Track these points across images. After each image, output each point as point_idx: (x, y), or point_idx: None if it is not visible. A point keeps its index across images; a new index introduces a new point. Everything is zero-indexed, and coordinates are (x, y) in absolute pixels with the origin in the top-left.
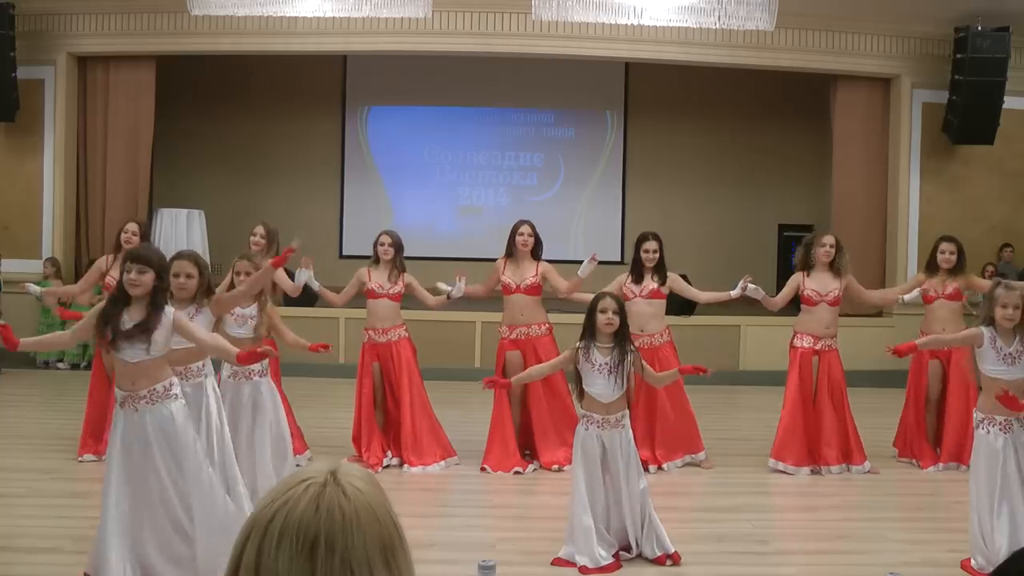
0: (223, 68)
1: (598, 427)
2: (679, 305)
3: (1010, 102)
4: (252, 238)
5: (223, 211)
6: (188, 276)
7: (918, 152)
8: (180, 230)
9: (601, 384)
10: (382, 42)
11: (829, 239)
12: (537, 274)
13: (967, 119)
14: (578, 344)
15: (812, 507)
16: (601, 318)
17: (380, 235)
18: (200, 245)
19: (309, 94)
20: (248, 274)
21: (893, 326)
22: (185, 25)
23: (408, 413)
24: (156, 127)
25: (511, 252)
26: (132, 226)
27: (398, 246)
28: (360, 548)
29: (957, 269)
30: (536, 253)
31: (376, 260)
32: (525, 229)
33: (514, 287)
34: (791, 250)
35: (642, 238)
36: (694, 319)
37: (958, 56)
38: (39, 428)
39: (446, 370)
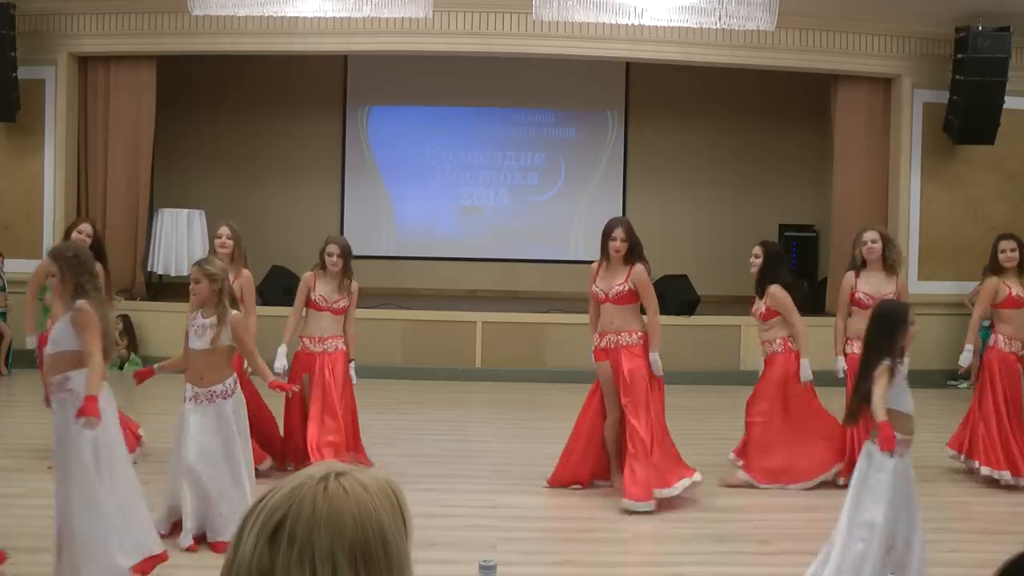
0: (224, 68)
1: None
2: (679, 305)
3: (1011, 102)
4: (217, 240)
5: (224, 211)
6: (195, 282)
7: (919, 152)
8: (181, 230)
9: (908, 399)
10: (383, 42)
11: (871, 235)
12: (626, 281)
13: (968, 119)
14: (887, 362)
15: (812, 507)
16: (912, 330)
17: (327, 243)
18: (200, 246)
19: (310, 94)
20: (197, 282)
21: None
22: (186, 25)
23: (347, 424)
24: (157, 127)
25: (606, 256)
26: (85, 226)
27: (346, 254)
28: (324, 546)
29: (1022, 267)
30: (629, 258)
31: (323, 267)
32: (618, 234)
33: (603, 296)
34: (792, 250)
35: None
36: (694, 319)
37: (959, 56)
38: (43, 428)
39: (446, 370)
